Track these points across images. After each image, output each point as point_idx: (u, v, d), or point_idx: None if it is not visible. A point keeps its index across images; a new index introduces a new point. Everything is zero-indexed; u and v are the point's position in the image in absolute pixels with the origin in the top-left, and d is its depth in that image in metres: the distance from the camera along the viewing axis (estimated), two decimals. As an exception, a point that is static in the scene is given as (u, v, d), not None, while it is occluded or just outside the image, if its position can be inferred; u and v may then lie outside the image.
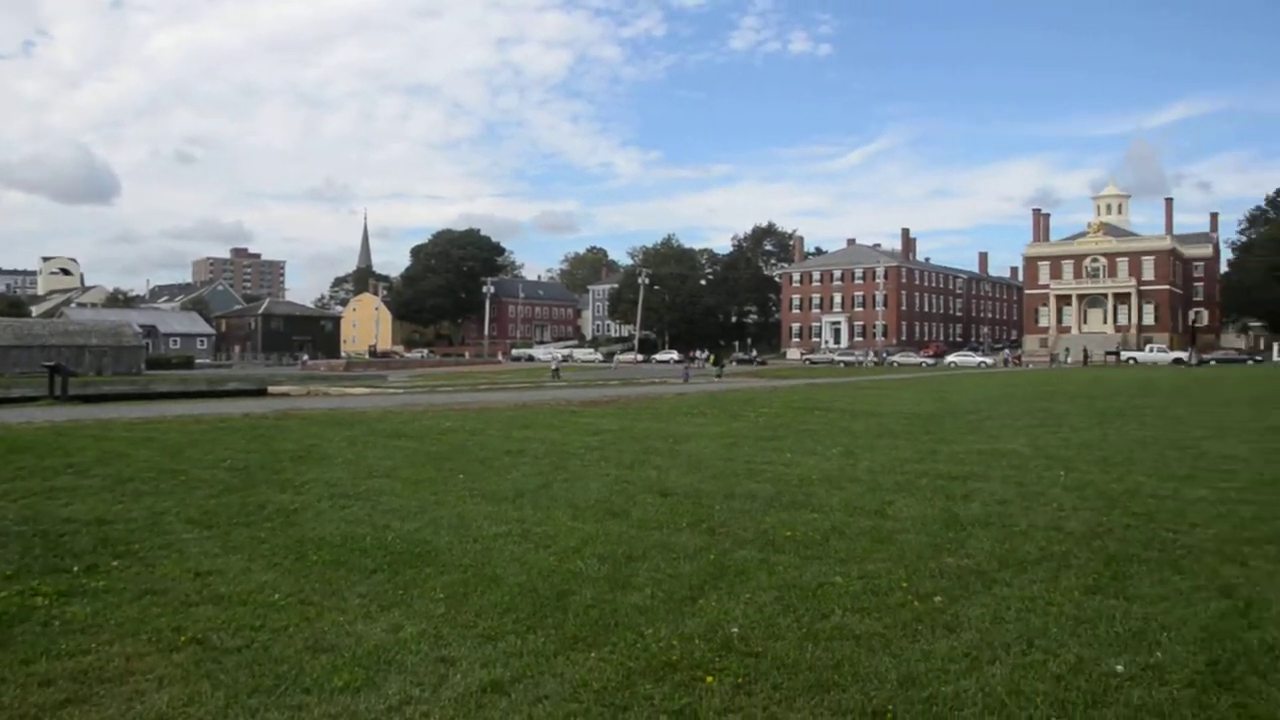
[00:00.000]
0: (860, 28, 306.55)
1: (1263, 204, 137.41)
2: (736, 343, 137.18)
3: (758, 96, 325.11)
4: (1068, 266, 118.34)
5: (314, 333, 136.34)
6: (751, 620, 6.53)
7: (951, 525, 9.63)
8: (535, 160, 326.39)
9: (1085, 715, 4.96)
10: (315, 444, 17.01)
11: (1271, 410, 25.31)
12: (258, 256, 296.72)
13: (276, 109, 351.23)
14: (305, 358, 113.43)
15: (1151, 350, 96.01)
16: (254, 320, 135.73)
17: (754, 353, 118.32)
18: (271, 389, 38.48)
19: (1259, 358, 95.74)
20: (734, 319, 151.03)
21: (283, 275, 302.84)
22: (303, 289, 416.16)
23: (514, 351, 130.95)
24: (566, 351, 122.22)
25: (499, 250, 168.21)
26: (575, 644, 6.07)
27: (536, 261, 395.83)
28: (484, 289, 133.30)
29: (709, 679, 5.45)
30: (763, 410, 26.34)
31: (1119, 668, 5.55)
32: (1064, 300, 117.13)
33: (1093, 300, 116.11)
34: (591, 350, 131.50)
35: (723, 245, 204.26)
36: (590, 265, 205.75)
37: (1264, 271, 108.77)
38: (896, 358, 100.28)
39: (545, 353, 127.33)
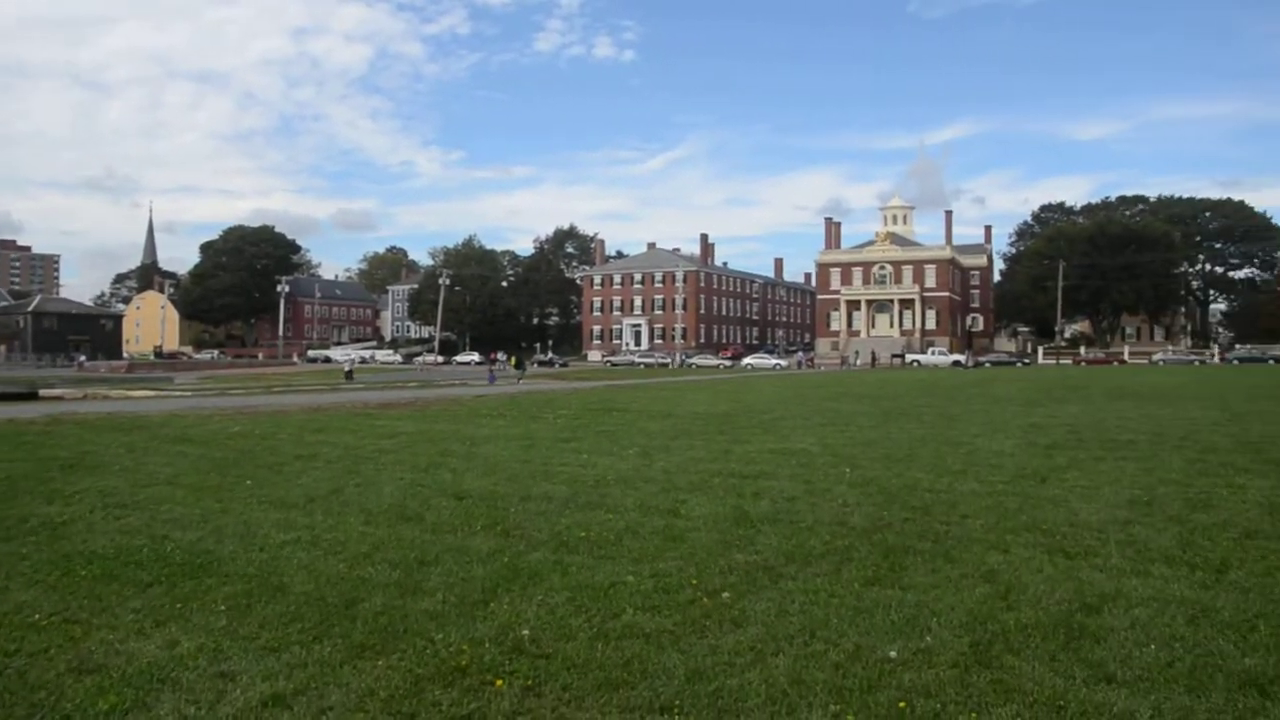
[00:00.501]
0: (663, 36, 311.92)
1: (1029, 219, 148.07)
2: (538, 345, 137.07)
3: (562, 99, 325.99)
4: (857, 273, 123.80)
5: (93, 332, 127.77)
6: (543, 622, 6.52)
7: (742, 523, 9.89)
8: (333, 156, 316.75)
9: (861, 700, 5.17)
10: (90, 450, 16.02)
11: (1034, 409, 27.13)
12: (28, 249, 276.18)
13: (49, 91, 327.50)
14: (82, 358, 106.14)
15: (933, 353, 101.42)
16: (23, 318, 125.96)
17: (555, 355, 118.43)
18: (43, 392, 35.80)
19: (1026, 360, 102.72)
20: (535, 321, 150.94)
21: (57, 270, 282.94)
22: (81, 285, 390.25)
23: (310, 353, 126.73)
24: (366, 353, 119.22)
25: (294, 248, 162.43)
26: (363, 652, 5.92)
27: (334, 260, 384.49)
28: (279, 288, 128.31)
29: (499, 682, 5.41)
30: (561, 412, 26.41)
31: (893, 653, 5.82)
32: (854, 305, 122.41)
33: (880, 305, 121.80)
34: (391, 352, 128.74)
35: (525, 247, 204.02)
36: (390, 265, 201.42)
37: (1030, 282, 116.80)
38: (695, 360, 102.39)
39: (343, 354, 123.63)
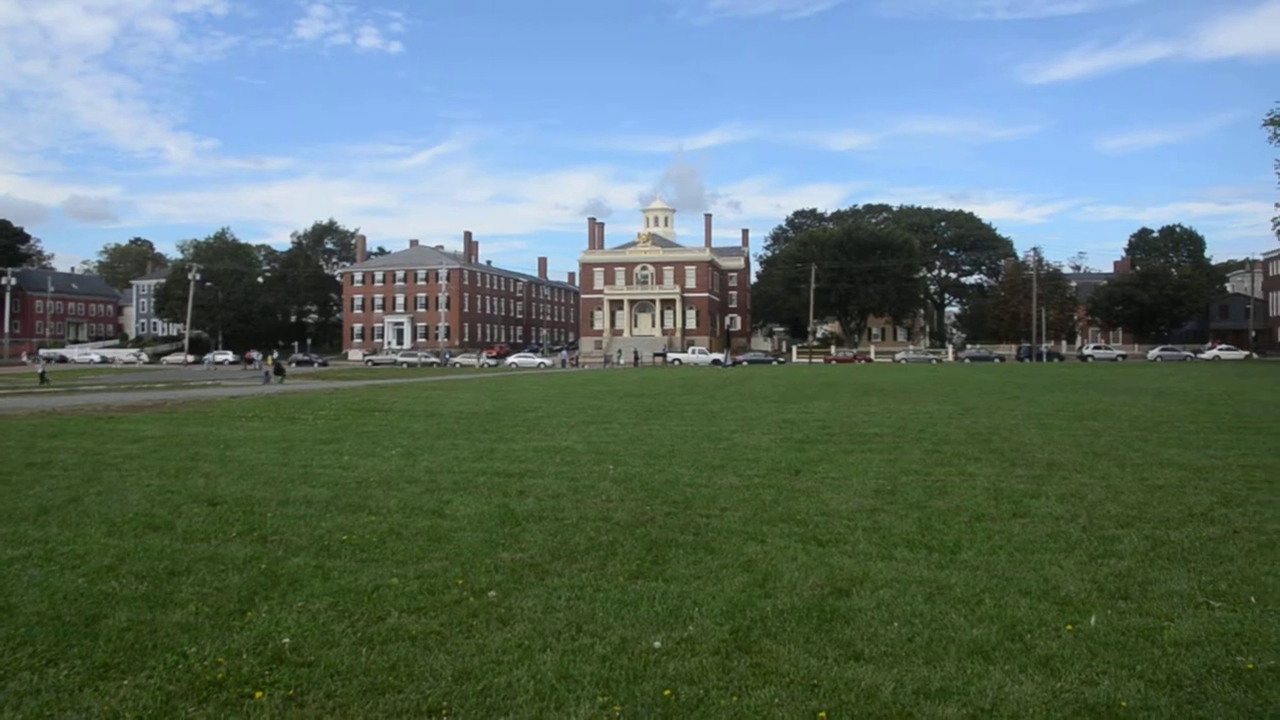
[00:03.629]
0: (432, 30, 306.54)
1: (784, 224, 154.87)
2: (296, 344, 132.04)
3: (324, 89, 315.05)
4: (620, 273, 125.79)
5: None
6: (305, 629, 6.32)
7: (508, 521, 9.90)
8: (70, 138, 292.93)
9: (628, 690, 5.29)
10: None
11: (789, 406, 28.39)
12: None
13: None
14: None
15: (694, 352, 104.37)
16: None
17: (314, 354, 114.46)
18: None
19: (781, 359, 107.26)
20: (294, 319, 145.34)
21: None
22: None
23: (43, 352, 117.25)
24: (107, 353, 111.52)
25: (22, 237, 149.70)
26: (107, 672, 5.57)
27: (70, 252, 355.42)
28: (2, 280, 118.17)
29: (258, 694, 5.21)
30: (321, 413, 25.60)
31: (657, 644, 5.99)
32: (617, 305, 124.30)
33: (642, 305, 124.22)
34: (136, 350, 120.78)
35: (282, 242, 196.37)
36: (135, 259, 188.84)
37: (784, 284, 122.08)
38: (459, 359, 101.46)
39: (81, 353, 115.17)
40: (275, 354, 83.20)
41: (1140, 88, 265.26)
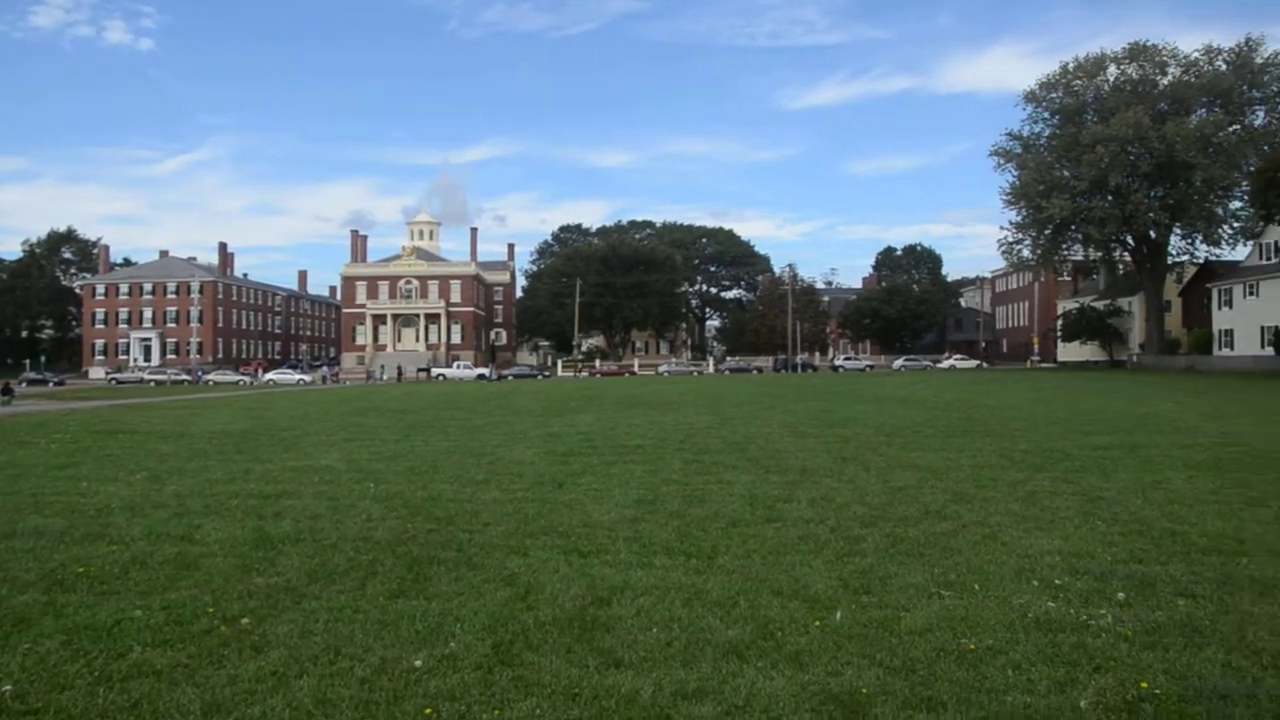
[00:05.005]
0: (188, 28, 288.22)
1: (550, 239, 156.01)
2: (28, 361, 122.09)
3: (64, 85, 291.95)
4: (384, 287, 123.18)
5: None
6: (31, 673, 5.87)
7: (262, 545, 9.52)
8: None
9: (388, 712, 5.21)
10: None
11: (553, 419, 28.55)
12: None
13: None
14: None
15: (459, 367, 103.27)
16: None
17: (48, 373, 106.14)
18: None
19: (547, 373, 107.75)
20: (25, 334, 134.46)
21: None
22: None
23: None
24: None
25: None
26: None
27: None
28: None
29: (-26, 744, 4.81)
30: (57, 435, 23.82)
31: (418, 663, 5.91)
32: (380, 319, 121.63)
33: (406, 320, 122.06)
34: None
35: (12, 250, 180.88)
36: None
37: (550, 298, 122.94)
38: (213, 376, 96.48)
39: None
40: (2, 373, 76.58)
41: (888, 116, 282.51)
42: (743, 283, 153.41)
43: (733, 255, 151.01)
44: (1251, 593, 7.32)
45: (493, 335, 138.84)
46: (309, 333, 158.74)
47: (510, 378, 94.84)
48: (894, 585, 7.62)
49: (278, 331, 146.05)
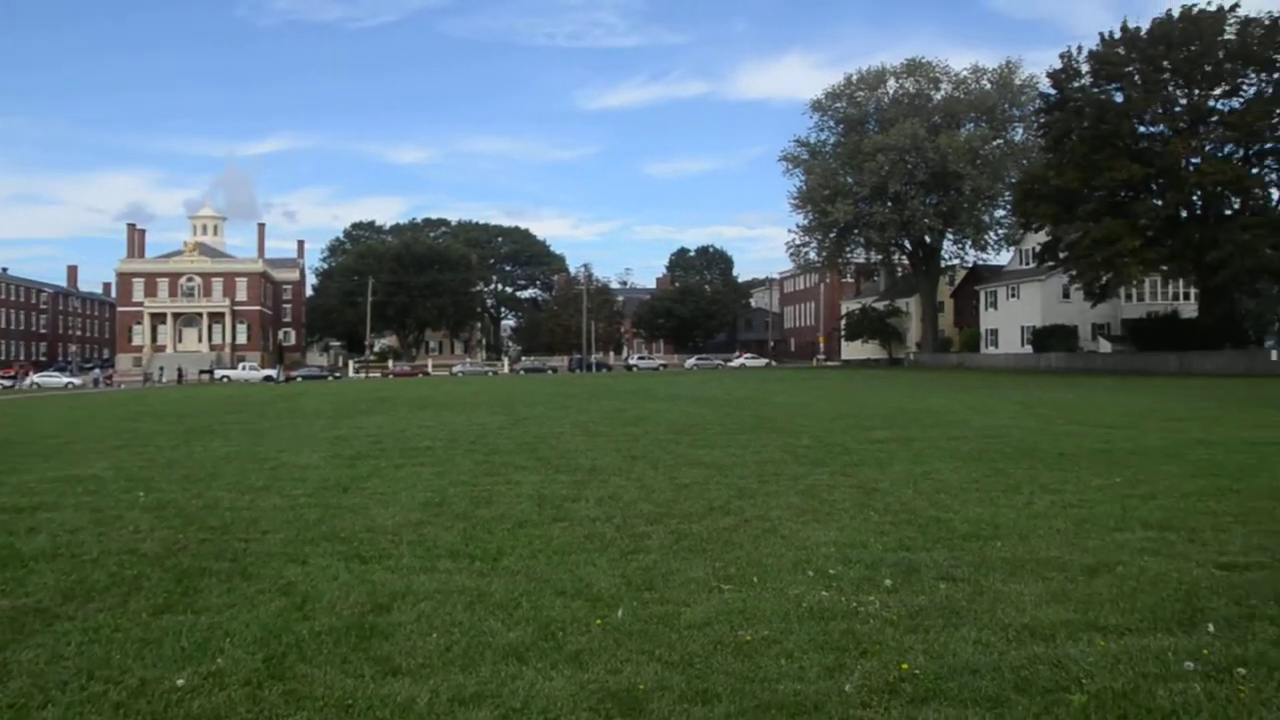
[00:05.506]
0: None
1: (342, 236, 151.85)
2: None
3: None
4: (164, 285, 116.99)
5: None
6: None
7: (11, 563, 8.82)
8: None
9: (144, 736, 4.91)
10: None
11: (342, 421, 27.76)
12: None
13: None
14: None
15: (244, 368, 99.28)
16: None
17: None
18: None
19: (338, 374, 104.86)
20: None
21: None
22: None
23: None
24: None
25: None
26: None
27: None
28: None
29: None
30: None
31: (181, 681, 5.59)
32: (159, 318, 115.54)
33: (188, 319, 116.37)
34: None
35: None
36: None
37: (341, 297, 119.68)
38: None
39: None
40: None
41: (684, 119, 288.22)
42: (538, 282, 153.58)
43: (529, 254, 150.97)
44: (1003, 573, 7.81)
45: (281, 335, 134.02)
46: (80, 333, 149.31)
47: (299, 379, 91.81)
48: (676, 581, 7.75)
49: (43, 331, 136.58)
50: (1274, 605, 6.76)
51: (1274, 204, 62.63)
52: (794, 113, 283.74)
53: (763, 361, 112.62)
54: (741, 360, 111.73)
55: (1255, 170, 61.65)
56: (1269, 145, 61.58)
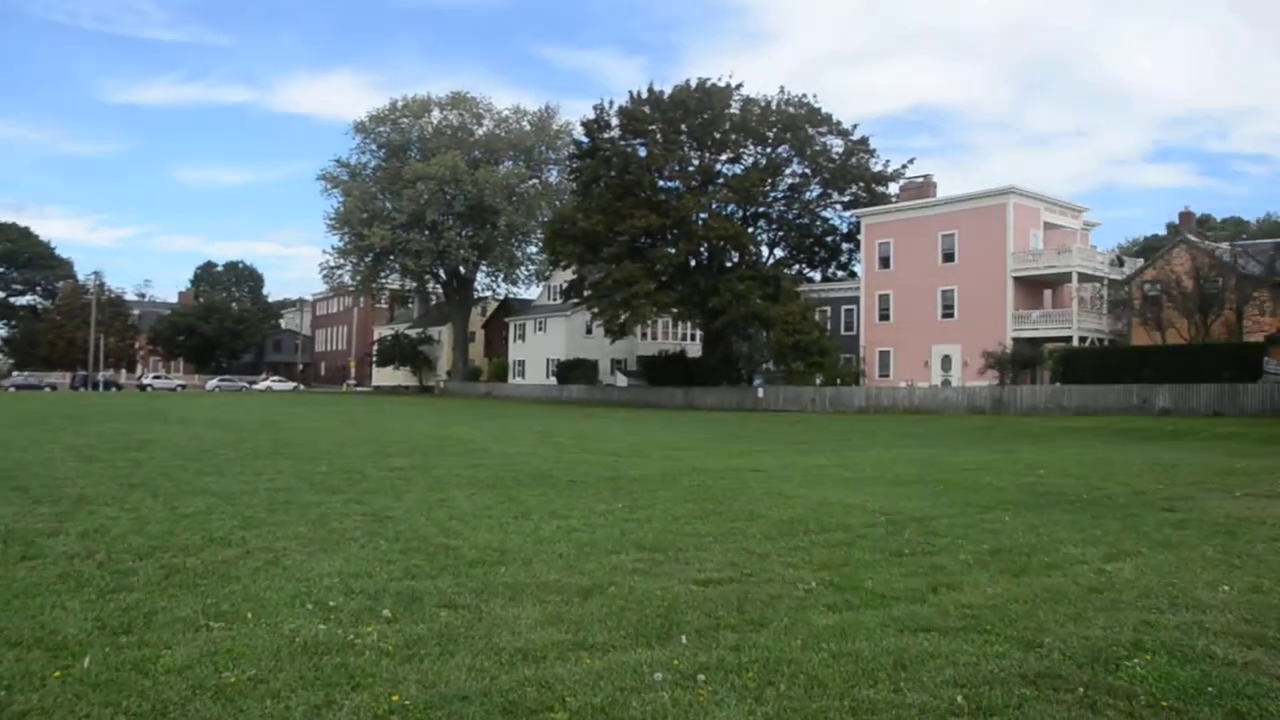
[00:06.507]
0: None
1: None
2: None
3: None
4: None
5: None
6: None
7: None
8: None
9: None
10: None
11: None
12: None
13: None
14: None
15: None
16: None
17: None
18: None
19: None
20: None
21: None
22: None
23: None
24: None
25: None
26: None
27: None
28: None
29: None
30: None
31: None
32: None
33: None
34: None
35: None
36: None
37: None
38: None
39: None
40: None
41: (222, 125, 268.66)
42: (39, 288, 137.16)
43: (28, 256, 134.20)
44: (504, 598, 8.00)
45: None
46: None
47: None
48: (159, 621, 7.13)
49: None
50: (736, 614, 7.52)
51: (765, 260, 71.32)
52: (338, 132, 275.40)
53: (291, 385, 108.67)
54: (268, 383, 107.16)
55: (751, 229, 69.70)
56: (762, 209, 70.46)
